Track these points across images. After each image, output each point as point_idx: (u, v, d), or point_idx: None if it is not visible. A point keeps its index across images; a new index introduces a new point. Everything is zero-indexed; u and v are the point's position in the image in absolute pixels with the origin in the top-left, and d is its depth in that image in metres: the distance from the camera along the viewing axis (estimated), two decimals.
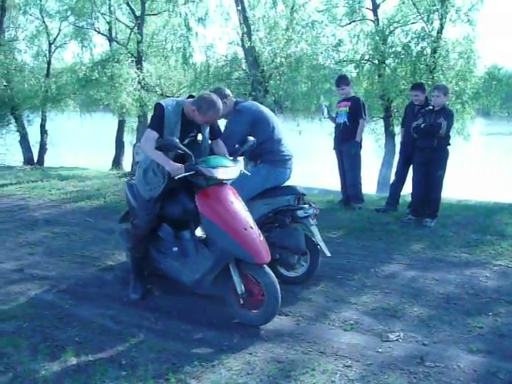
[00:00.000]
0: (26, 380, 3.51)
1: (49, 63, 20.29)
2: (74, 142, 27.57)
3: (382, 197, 9.13)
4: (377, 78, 16.80)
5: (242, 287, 4.23)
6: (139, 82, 16.38)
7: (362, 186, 8.31)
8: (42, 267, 5.74)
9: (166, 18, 17.94)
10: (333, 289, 5.13)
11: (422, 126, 7.09)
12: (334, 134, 8.53)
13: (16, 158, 20.18)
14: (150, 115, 17.16)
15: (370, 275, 5.50)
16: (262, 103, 14.18)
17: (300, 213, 5.11)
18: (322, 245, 5.20)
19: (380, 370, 3.62)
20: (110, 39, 19.41)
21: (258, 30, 15.54)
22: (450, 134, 7.37)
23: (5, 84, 18.67)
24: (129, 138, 20.82)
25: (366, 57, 17.05)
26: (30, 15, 19.60)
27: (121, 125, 20.78)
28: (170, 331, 4.23)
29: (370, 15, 17.51)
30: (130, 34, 18.05)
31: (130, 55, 17.04)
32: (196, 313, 4.56)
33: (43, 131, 20.85)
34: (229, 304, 4.39)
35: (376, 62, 16.76)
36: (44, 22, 19.73)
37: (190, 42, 15.67)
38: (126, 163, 20.14)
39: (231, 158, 4.68)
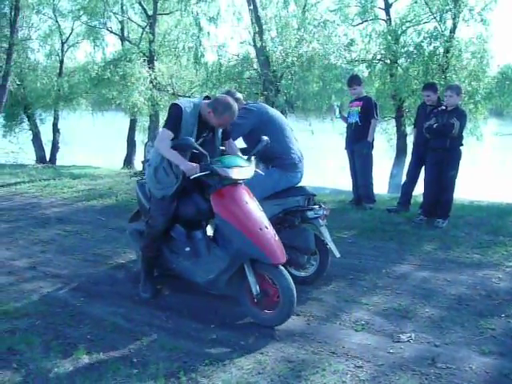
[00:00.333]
0: (39, 377, 3.53)
1: (61, 62, 20.35)
2: (86, 140, 27.68)
3: (394, 197, 9.09)
4: (389, 77, 16.72)
5: (257, 288, 4.22)
6: (151, 82, 16.42)
7: (373, 186, 8.28)
8: (54, 265, 5.78)
9: (177, 18, 17.95)
10: (344, 289, 5.12)
11: (435, 126, 7.05)
12: (345, 134, 8.51)
13: (29, 157, 20.29)
14: (161, 114, 17.26)
15: (382, 276, 5.48)
16: (273, 103, 14.27)
17: (310, 214, 5.11)
18: (332, 245, 5.20)
19: (391, 371, 3.62)
20: (122, 38, 19.44)
21: (269, 30, 15.49)
22: (463, 134, 7.33)
23: (18, 83, 18.75)
24: (140, 137, 20.84)
25: (378, 56, 16.98)
26: (43, 15, 19.67)
27: (132, 124, 20.80)
28: (181, 330, 4.25)
29: (382, 15, 17.44)
30: (142, 34, 18.10)
31: (141, 54, 17.08)
32: (207, 312, 4.58)
33: (55, 130, 20.93)
34: (242, 304, 4.39)
35: (388, 61, 16.68)
36: (57, 21, 19.79)
37: (201, 42, 15.66)
38: (138, 162, 20.16)
39: (245, 158, 4.68)
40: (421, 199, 7.72)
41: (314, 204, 5.22)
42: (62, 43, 20.30)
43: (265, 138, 4.82)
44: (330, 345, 3.99)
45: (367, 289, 5.13)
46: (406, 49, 16.61)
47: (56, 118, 20.83)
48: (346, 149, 8.45)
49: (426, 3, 16.31)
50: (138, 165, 19.60)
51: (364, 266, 5.77)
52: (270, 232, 4.29)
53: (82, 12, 18.71)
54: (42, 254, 6.21)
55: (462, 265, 5.78)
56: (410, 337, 4.11)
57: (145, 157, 14.32)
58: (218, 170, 4.33)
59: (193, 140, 4.29)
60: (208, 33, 15.65)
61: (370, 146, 8.11)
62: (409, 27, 16.81)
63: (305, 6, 15.90)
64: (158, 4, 17.22)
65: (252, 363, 3.72)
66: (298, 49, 14.92)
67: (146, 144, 15.51)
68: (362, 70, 17.44)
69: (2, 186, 10.58)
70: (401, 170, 14.09)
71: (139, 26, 18.60)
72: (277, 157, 5.26)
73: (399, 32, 16.49)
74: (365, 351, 3.89)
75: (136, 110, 16.92)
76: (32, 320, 4.39)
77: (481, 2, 15.82)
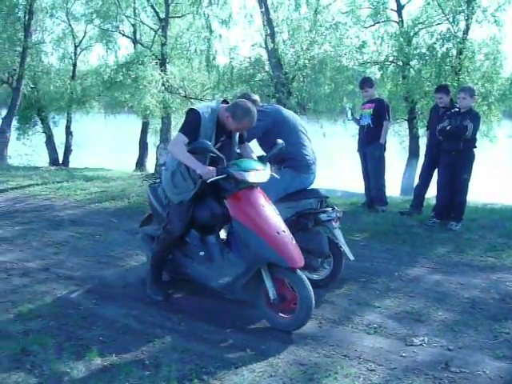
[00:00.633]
0: (52, 378, 3.55)
1: (74, 65, 20.48)
2: (98, 143, 27.80)
3: (406, 199, 9.05)
4: (401, 79, 16.65)
5: (275, 292, 4.20)
6: (163, 84, 16.46)
7: (385, 188, 8.25)
8: (67, 267, 5.81)
9: (189, 21, 17.98)
10: (356, 292, 5.11)
11: (448, 128, 7.02)
12: (357, 136, 8.49)
13: (42, 159, 20.40)
14: (173, 117, 17.30)
15: (394, 278, 5.46)
16: (285, 105, 14.26)
17: (323, 216, 5.08)
18: (346, 248, 5.16)
19: (404, 375, 3.60)
20: (135, 41, 19.51)
21: (281, 32, 15.50)
22: (476, 136, 7.29)
23: (31, 86, 18.92)
24: (152, 140, 20.91)
25: (390, 58, 16.92)
26: (57, 18, 19.77)
27: (144, 126, 20.89)
28: (193, 332, 4.25)
29: (394, 16, 17.37)
30: (155, 37, 18.15)
31: (154, 57, 17.12)
32: (219, 314, 4.58)
33: (68, 132, 21.06)
34: (259, 307, 4.37)
35: (400, 63, 16.62)
36: (70, 24, 19.91)
37: (212, 44, 15.70)
38: (150, 164, 20.23)
39: (260, 161, 4.65)
40: (433, 202, 7.69)
41: (327, 206, 5.20)
42: (75, 46, 20.43)
43: (280, 141, 4.78)
44: (343, 348, 3.98)
45: (380, 292, 5.11)
46: (418, 50, 16.54)
47: (69, 121, 20.97)
48: (358, 151, 8.43)
49: (439, 4, 16.22)
50: (150, 167, 19.69)
51: (376, 269, 5.75)
52: (288, 236, 4.26)
53: (94, 15, 18.81)
54: (55, 255, 6.23)
55: (475, 268, 5.75)
56: (423, 340, 4.09)
57: (157, 159, 14.40)
58: (235, 174, 4.31)
59: (209, 143, 4.27)
60: (220, 35, 15.69)
61: (383, 148, 8.08)
62: (421, 29, 16.73)
63: (316, 8, 15.87)
64: (170, 7, 17.25)
65: (264, 366, 3.71)
66: (309, 51, 14.92)
67: (157, 147, 15.58)
68: (374, 72, 17.40)
69: (16, 188, 10.65)
70: (413, 173, 14.03)
71: (151, 28, 18.66)
72: (290, 157, 5.25)
73: (411, 34, 16.42)
74: (377, 354, 3.88)
75: (148, 112, 16.94)
76: (45, 321, 4.40)
77: (494, 2, 15.71)
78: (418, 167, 9.44)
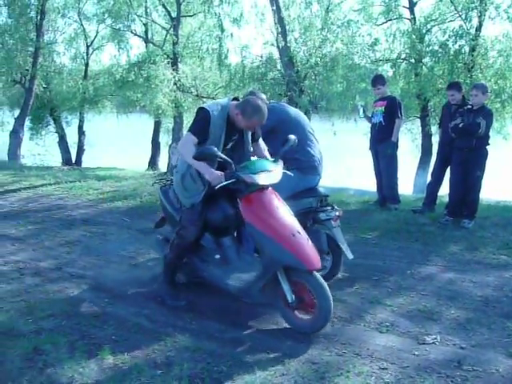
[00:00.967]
0: (64, 377, 3.56)
1: (86, 65, 20.61)
2: (111, 142, 27.93)
3: (419, 197, 9.02)
4: (413, 77, 16.59)
5: (292, 295, 4.11)
6: (175, 83, 16.49)
7: (398, 186, 8.21)
8: (79, 266, 5.83)
9: (201, 20, 18.01)
10: (368, 290, 5.08)
11: (461, 125, 6.98)
12: (369, 134, 8.45)
13: (55, 159, 20.53)
14: (185, 116, 17.33)
15: (406, 277, 5.44)
16: (297, 103, 14.24)
17: (322, 215, 5.04)
18: (345, 247, 5.10)
19: (416, 373, 3.58)
20: (146, 41, 19.58)
21: (293, 30, 15.49)
22: (489, 133, 7.23)
23: (44, 86, 19.05)
24: (165, 139, 20.97)
25: (403, 56, 16.86)
26: (69, 18, 19.96)
27: (157, 126, 20.97)
28: (204, 331, 4.24)
29: (406, 13, 17.31)
30: (166, 36, 18.18)
31: (165, 56, 17.16)
32: (230, 313, 4.57)
33: (81, 132, 21.21)
34: (277, 308, 4.29)
35: (413, 60, 16.56)
36: (82, 24, 20.06)
37: (224, 43, 15.71)
38: (162, 164, 20.31)
39: (272, 160, 4.56)
40: (446, 199, 7.64)
41: (327, 205, 5.17)
42: (87, 46, 20.57)
43: (292, 137, 4.67)
44: (355, 346, 3.96)
45: (392, 290, 5.08)
46: (430, 48, 16.47)
47: (81, 121, 21.13)
48: (370, 149, 8.39)
49: (452, 1, 16.14)
50: (162, 166, 19.75)
51: (388, 267, 5.72)
52: (303, 237, 4.14)
53: (106, 15, 18.94)
54: (68, 255, 6.26)
55: (488, 266, 5.71)
56: (436, 339, 4.06)
57: (169, 159, 14.43)
58: (244, 177, 4.20)
59: (215, 149, 4.16)
60: (231, 34, 15.71)
61: (395, 146, 8.04)
62: (434, 26, 16.66)
63: (328, 6, 15.84)
64: (182, 6, 17.28)
65: (276, 365, 3.70)
66: (321, 49, 14.89)
67: (170, 146, 15.62)
68: (387, 70, 17.35)
69: (29, 187, 10.71)
70: (426, 170, 13.99)
71: (163, 28, 18.70)
72: (296, 158, 5.13)
73: (424, 31, 16.36)
74: (389, 353, 3.86)
75: (160, 111, 16.99)
76: (57, 320, 4.42)
77: None
78: (431, 165, 9.38)
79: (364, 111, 8.64)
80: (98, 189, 10.50)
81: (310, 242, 4.16)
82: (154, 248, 5.68)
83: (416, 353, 3.86)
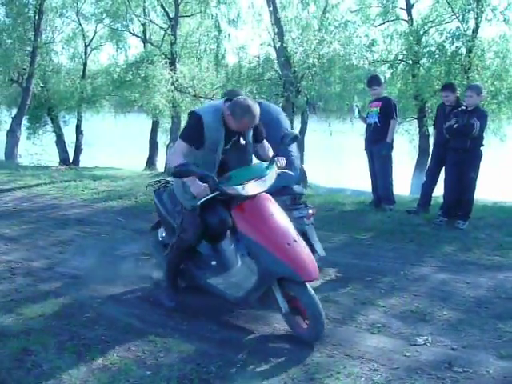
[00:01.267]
0: (52, 377, 3.54)
1: (85, 65, 20.65)
2: (109, 142, 27.93)
3: (415, 198, 8.99)
4: (411, 78, 16.63)
5: (286, 306, 3.94)
6: (172, 84, 16.51)
7: (393, 187, 8.18)
8: (71, 266, 5.80)
9: (199, 20, 18.05)
10: (361, 291, 5.06)
11: (455, 126, 6.97)
12: (364, 135, 8.43)
13: (52, 159, 20.49)
14: (183, 116, 17.33)
15: (400, 278, 5.42)
16: (293, 104, 14.26)
17: (295, 213, 4.97)
18: (317, 244, 5.03)
19: (407, 375, 3.56)
20: (145, 41, 19.61)
21: (290, 31, 15.51)
22: (484, 134, 7.23)
23: (41, 85, 19.06)
24: (163, 139, 20.96)
25: (400, 57, 16.89)
26: (67, 18, 20.03)
27: (154, 126, 20.98)
28: (195, 331, 4.22)
29: (403, 15, 17.34)
30: (164, 36, 18.21)
31: (163, 56, 17.18)
32: (222, 313, 4.55)
33: (79, 132, 21.22)
34: (280, 314, 4.11)
35: (410, 62, 16.59)
36: (80, 24, 20.11)
37: (221, 44, 15.74)
38: (160, 164, 20.32)
39: (267, 163, 4.40)
40: (441, 200, 7.63)
41: (300, 203, 5.15)
42: (85, 46, 20.61)
43: (295, 132, 4.61)
44: (346, 347, 3.94)
45: (385, 291, 5.06)
46: (428, 49, 16.51)
47: (79, 120, 21.14)
48: (365, 150, 8.37)
49: (448, 3, 16.17)
50: (160, 166, 19.76)
51: (382, 268, 5.70)
52: (300, 245, 3.95)
53: (104, 15, 19.00)
54: (60, 255, 6.24)
55: (482, 267, 5.69)
56: (427, 340, 4.04)
57: (167, 159, 14.37)
58: (228, 190, 4.04)
59: (192, 165, 4.00)
60: (229, 34, 15.76)
61: (390, 147, 8.01)
62: (431, 27, 16.71)
63: (325, 7, 15.87)
64: (180, 6, 17.29)
65: (266, 365, 3.68)
66: (318, 50, 14.90)
67: (167, 146, 15.61)
68: (384, 71, 17.36)
69: (24, 187, 10.68)
70: (423, 171, 13.96)
71: (161, 28, 18.73)
72: (276, 155, 5.14)
73: (421, 32, 16.39)
74: (380, 354, 3.84)
75: (158, 111, 17.01)
76: (47, 321, 4.39)
77: (504, 1, 15.71)
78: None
79: (359, 112, 8.62)
80: (93, 188, 10.46)
81: (306, 249, 4.01)
82: (150, 250, 5.62)
83: (407, 354, 3.84)
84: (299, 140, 15.00)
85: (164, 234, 5.21)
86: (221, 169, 4.31)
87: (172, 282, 4.74)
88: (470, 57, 15.59)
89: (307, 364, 3.70)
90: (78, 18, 19.92)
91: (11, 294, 4.95)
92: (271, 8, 14.31)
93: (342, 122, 17.02)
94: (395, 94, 17.03)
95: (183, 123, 17.46)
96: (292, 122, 15.05)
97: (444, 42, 16.29)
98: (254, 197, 4.10)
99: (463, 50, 16.07)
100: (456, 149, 7.05)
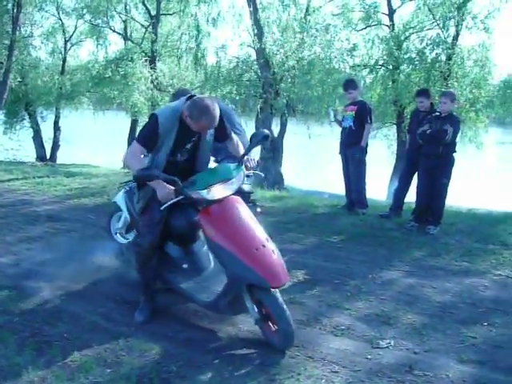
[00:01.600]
0: (10, 374, 3.50)
1: (64, 60, 20.44)
2: (87, 139, 27.72)
3: (390, 203, 9.01)
4: (390, 83, 16.76)
5: (257, 313, 3.86)
6: (152, 82, 16.46)
7: (366, 191, 8.21)
8: (38, 262, 5.72)
9: (181, 18, 18.01)
10: (327, 293, 5.06)
11: (428, 132, 7.02)
12: (340, 139, 8.45)
13: (28, 154, 20.29)
14: None
15: (367, 281, 5.42)
16: (271, 105, 14.26)
17: None
18: None
19: (367, 377, 3.57)
20: (125, 38, 19.50)
21: (273, 33, 15.52)
22: (459, 141, 7.29)
23: (19, 80, 18.82)
24: None
25: (381, 62, 17.03)
26: (46, 12, 19.80)
27: (133, 124, 20.84)
28: (159, 331, 4.19)
29: (385, 20, 17.50)
30: (145, 34, 18.14)
31: (143, 54, 17.13)
32: (186, 313, 4.53)
33: (56, 128, 21.00)
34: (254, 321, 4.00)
35: (390, 67, 16.73)
36: (60, 19, 19.90)
37: (200, 43, 15.71)
38: None
39: (233, 166, 4.26)
40: (413, 205, 7.67)
41: (248, 202, 5.13)
42: (65, 41, 20.41)
43: (265, 131, 4.50)
44: (308, 349, 3.93)
45: (351, 294, 5.06)
46: (408, 55, 16.69)
47: (57, 116, 20.93)
48: (339, 153, 8.40)
49: (430, 10, 16.34)
50: None
51: (351, 271, 5.70)
52: (268, 250, 3.82)
53: (85, 10, 18.84)
54: (28, 251, 6.16)
55: (449, 272, 5.72)
56: (390, 343, 4.05)
57: None
58: (191, 194, 3.91)
59: (156, 171, 3.90)
60: (208, 33, 15.72)
61: (364, 150, 8.05)
62: (412, 33, 16.88)
63: (307, 9, 15.90)
64: (162, 4, 17.24)
65: (227, 366, 3.66)
66: (298, 52, 14.93)
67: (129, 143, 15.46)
68: (365, 76, 17.48)
69: None
70: None
71: (142, 25, 18.66)
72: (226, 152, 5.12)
73: (402, 38, 16.55)
74: (342, 356, 3.84)
75: (136, 109, 16.93)
76: (10, 317, 4.34)
77: (484, 9, 15.86)
78: None
79: (334, 115, 8.64)
80: (66, 185, 10.37)
81: (276, 254, 3.86)
82: (128, 257, 5.32)
83: (369, 357, 3.85)
84: (276, 142, 14.96)
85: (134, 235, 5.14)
86: (180, 170, 4.18)
87: (146, 294, 4.53)
88: (449, 64, 15.77)
89: (268, 365, 3.69)
90: (59, 13, 19.73)
91: None
92: (251, 8, 14.31)
93: (321, 126, 17.07)
94: (375, 98, 17.16)
95: None
96: (270, 124, 15.09)
97: (424, 48, 16.47)
98: (220, 200, 3.96)
99: (443, 57, 16.27)
100: (428, 154, 7.08)
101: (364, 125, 7.94)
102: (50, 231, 7.03)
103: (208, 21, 15.52)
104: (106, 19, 18.98)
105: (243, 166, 4.35)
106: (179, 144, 4.19)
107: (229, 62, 15.79)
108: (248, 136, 4.85)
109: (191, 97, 4.17)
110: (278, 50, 15.16)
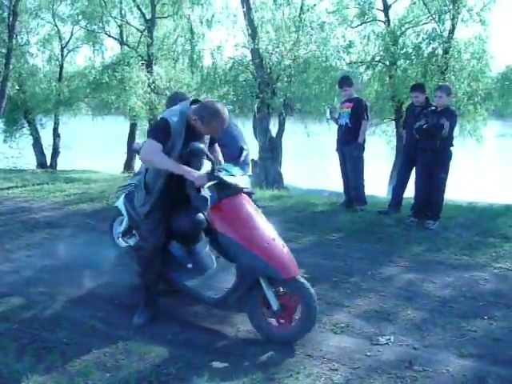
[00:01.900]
0: (10, 381, 3.50)
1: (61, 67, 20.45)
2: (87, 145, 27.75)
3: (389, 199, 9.01)
4: (388, 79, 16.74)
5: (277, 302, 3.93)
6: (149, 85, 16.46)
7: (364, 187, 8.19)
8: (37, 269, 5.72)
9: (176, 21, 18.02)
10: (327, 291, 5.04)
11: (425, 126, 7.00)
12: (336, 136, 8.43)
13: (29, 162, 20.30)
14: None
15: (367, 278, 5.41)
16: (268, 105, 14.26)
17: None
18: None
19: (366, 374, 3.56)
20: (121, 43, 19.51)
21: (267, 32, 15.49)
22: (454, 135, 7.27)
23: (17, 88, 18.83)
24: (141, 142, 20.84)
25: (377, 58, 17.00)
26: (42, 19, 19.82)
27: (132, 128, 20.86)
28: (157, 333, 4.19)
29: (380, 16, 17.47)
30: (141, 37, 18.15)
31: (140, 58, 17.14)
32: (185, 315, 4.53)
33: (56, 135, 21.01)
34: (254, 321, 4.05)
35: (387, 63, 16.71)
36: (56, 25, 19.89)
37: (196, 45, 15.71)
38: (138, 166, 20.18)
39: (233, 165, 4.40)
40: (412, 201, 7.65)
41: None
42: (62, 48, 20.41)
43: (245, 147, 4.66)
44: (307, 348, 3.92)
45: (351, 291, 5.05)
46: (404, 50, 16.66)
47: (56, 123, 20.92)
48: (336, 150, 8.39)
49: (425, 4, 16.32)
50: (138, 169, 19.60)
51: (350, 269, 5.69)
52: (278, 244, 3.98)
53: (80, 16, 18.85)
54: (27, 258, 6.15)
55: (449, 266, 5.71)
56: (389, 339, 4.04)
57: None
58: (227, 179, 4.01)
59: (203, 146, 4.00)
60: (203, 35, 15.72)
61: (361, 147, 8.03)
62: (407, 28, 16.86)
63: (301, 7, 15.88)
64: (157, 8, 17.24)
65: (225, 366, 3.66)
66: (294, 51, 14.91)
67: (132, 146, 15.49)
68: (362, 72, 17.45)
69: None
70: None
71: (138, 29, 18.65)
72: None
73: (398, 33, 16.53)
74: (342, 354, 3.83)
75: (134, 114, 16.94)
76: (9, 324, 4.34)
77: (480, 2, 15.84)
78: None
79: (331, 112, 8.61)
80: (65, 191, 10.38)
81: (286, 248, 4.03)
82: (126, 261, 5.39)
83: (368, 353, 3.84)
84: (275, 142, 14.93)
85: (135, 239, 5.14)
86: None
87: (148, 298, 4.51)
88: (446, 58, 15.74)
89: (267, 364, 3.69)
90: (54, 20, 19.72)
91: None
92: (245, 9, 14.29)
93: (320, 124, 17.04)
94: (372, 95, 17.14)
95: None
96: (268, 124, 15.08)
97: (420, 43, 16.45)
98: (232, 195, 4.07)
99: (440, 51, 16.23)
100: (425, 149, 7.06)
101: (360, 121, 7.92)
102: (48, 238, 7.03)
103: (202, 23, 15.50)
104: (101, 25, 19.00)
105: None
106: (187, 147, 4.14)
107: (224, 63, 15.79)
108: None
109: (195, 101, 4.22)
110: (273, 50, 15.13)
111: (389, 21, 16.99)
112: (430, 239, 6.65)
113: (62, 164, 21.17)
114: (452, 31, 16.07)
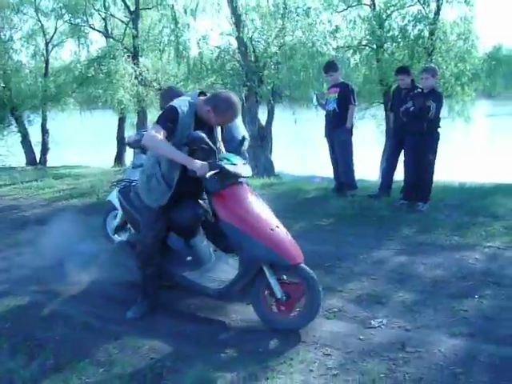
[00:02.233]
0: (4, 379, 3.50)
1: (47, 62, 20.18)
2: (77, 140, 27.61)
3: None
4: (375, 63, 16.71)
5: (281, 290, 3.95)
6: (136, 78, 16.37)
7: (354, 172, 8.19)
8: (28, 267, 5.68)
9: (161, 12, 17.89)
10: (319, 276, 4.91)
11: (411, 109, 7.00)
12: (324, 122, 8.42)
13: (18, 159, 20.13)
14: (149, 110, 17.18)
15: (358, 262, 5.44)
16: (256, 93, 14.21)
17: None
18: None
19: (360, 358, 3.58)
20: (106, 35, 19.34)
21: (253, 20, 15.42)
22: (441, 116, 7.27)
23: (3, 85, 18.64)
24: (133, 134, 20.72)
25: (364, 42, 16.95)
26: (24, 14, 19.49)
27: (121, 122, 20.73)
28: (151, 326, 4.19)
29: None
30: (126, 30, 18.00)
31: (125, 51, 17.01)
32: (179, 307, 4.53)
33: (44, 131, 20.82)
34: (258, 311, 4.06)
35: (374, 47, 16.67)
36: (39, 20, 19.61)
37: (181, 35, 15.62)
38: (128, 160, 20.10)
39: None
40: (402, 184, 7.66)
41: None
42: (46, 43, 20.13)
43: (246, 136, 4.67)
44: (301, 334, 3.93)
45: (343, 276, 5.08)
46: (391, 33, 16.63)
47: (44, 119, 20.69)
48: (325, 136, 8.37)
49: None
50: (128, 162, 19.53)
51: (341, 253, 5.71)
52: (282, 231, 4.01)
53: (64, 10, 18.63)
54: (18, 256, 6.12)
55: (439, 247, 5.74)
56: (382, 322, 4.07)
57: (134, 154, 14.27)
58: (229, 168, 4.02)
59: (204, 134, 3.95)
60: (188, 25, 15.61)
61: (349, 132, 8.01)
62: (393, 11, 16.79)
63: None
64: None
65: (219, 356, 3.68)
66: (280, 38, 14.85)
67: (125, 138, 15.42)
68: (349, 57, 17.41)
69: None
70: None
71: (122, 22, 18.50)
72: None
73: (384, 16, 16.47)
74: (335, 339, 3.85)
75: (122, 107, 16.84)
76: (2, 323, 4.32)
77: None
78: None
79: (317, 98, 8.57)
80: (55, 187, 10.34)
81: (289, 235, 4.05)
82: (119, 258, 5.22)
83: (361, 337, 3.86)
84: (264, 130, 14.91)
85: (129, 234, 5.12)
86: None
87: (146, 293, 4.49)
88: (432, 39, 15.72)
89: (261, 352, 3.71)
90: (37, 15, 19.44)
91: None
92: None
93: (309, 110, 17.02)
94: (360, 79, 17.12)
95: (150, 118, 17.32)
96: (256, 112, 15.06)
97: (406, 25, 16.41)
98: (235, 184, 4.10)
99: (426, 33, 16.21)
100: (413, 132, 7.06)
101: (348, 106, 7.89)
102: (39, 235, 6.97)
103: (187, 12, 15.40)
104: (85, 18, 18.79)
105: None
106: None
107: (211, 52, 15.72)
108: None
109: (202, 92, 4.24)
110: (259, 37, 15.07)
111: (374, 4, 16.93)
112: (420, 221, 6.68)
113: (51, 160, 21.02)
114: (437, 12, 16.04)
